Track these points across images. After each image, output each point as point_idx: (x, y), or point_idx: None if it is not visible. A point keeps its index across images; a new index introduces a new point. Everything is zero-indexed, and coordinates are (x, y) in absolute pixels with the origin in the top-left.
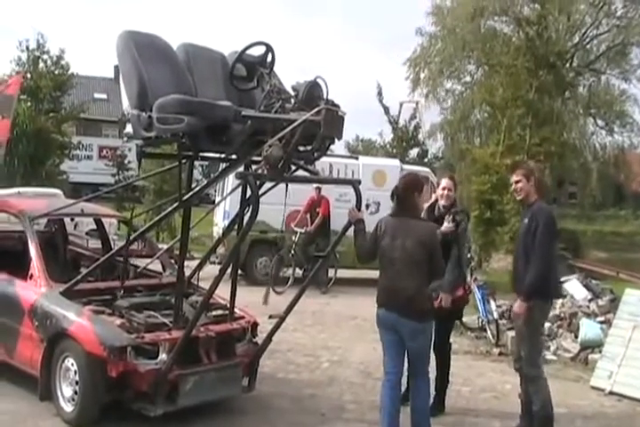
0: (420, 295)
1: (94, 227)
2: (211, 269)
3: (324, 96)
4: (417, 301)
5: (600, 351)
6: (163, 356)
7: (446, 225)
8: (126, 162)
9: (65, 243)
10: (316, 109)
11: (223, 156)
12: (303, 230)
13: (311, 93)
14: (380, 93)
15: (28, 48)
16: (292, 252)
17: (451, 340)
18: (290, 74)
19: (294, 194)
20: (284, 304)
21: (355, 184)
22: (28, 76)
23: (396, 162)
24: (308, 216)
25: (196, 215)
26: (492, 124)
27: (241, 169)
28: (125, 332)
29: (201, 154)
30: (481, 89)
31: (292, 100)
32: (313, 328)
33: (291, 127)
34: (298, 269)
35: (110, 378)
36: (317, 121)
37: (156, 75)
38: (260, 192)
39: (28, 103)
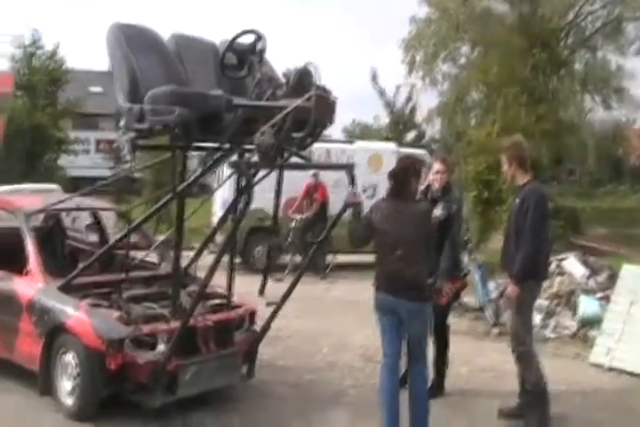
0: (419, 277)
1: (94, 221)
2: (209, 259)
3: (315, 82)
4: (416, 282)
5: (599, 328)
6: (161, 347)
7: (440, 212)
8: (123, 155)
9: (62, 238)
10: (307, 96)
11: (216, 145)
12: (300, 217)
13: (302, 80)
14: (374, 77)
15: (22, 44)
16: (290, 239)
17: (449, 321)
18: (284, 60)
19: (291, 181)
20: (282, 291)
21: (348, 169)
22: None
23: (392, 145)
24: (306, 203)
25: (195, 205)
26: (488, 104)
27: (234, 157)
28: (123, 324)
29: (194, 144)
30: (475, 69)
31: (284, 87)
32: (312, 314)
33: (282, 115)
34: (297, 256)
35: (109, 371)
36: (308, 107)
37: (147, 66)
38: (256, 180)
39: (24, 99)
